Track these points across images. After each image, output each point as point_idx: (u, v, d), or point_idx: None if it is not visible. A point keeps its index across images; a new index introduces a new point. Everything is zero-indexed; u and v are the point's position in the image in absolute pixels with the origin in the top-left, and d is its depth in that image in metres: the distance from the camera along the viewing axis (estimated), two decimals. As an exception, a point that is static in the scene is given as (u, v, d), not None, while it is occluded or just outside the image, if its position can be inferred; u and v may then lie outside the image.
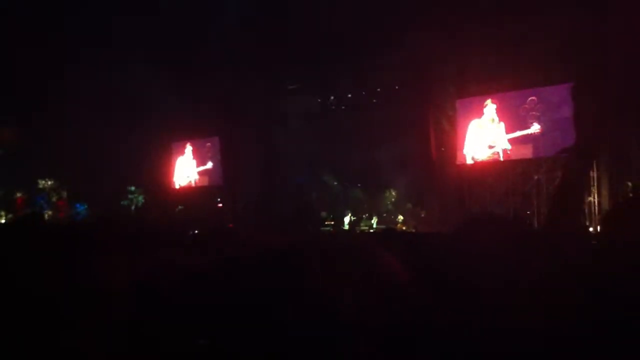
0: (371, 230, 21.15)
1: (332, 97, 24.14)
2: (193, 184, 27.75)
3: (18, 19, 22.89)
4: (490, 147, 20.04)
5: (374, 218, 22.92)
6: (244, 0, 22.43)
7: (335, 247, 3.53)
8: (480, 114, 20.34)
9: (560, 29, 17.70)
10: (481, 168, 20.44)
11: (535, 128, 19.01)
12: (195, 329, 3.06)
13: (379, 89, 22.87)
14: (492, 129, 19.99)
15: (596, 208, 18.20)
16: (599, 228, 17.73)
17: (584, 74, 17.43)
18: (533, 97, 19.14)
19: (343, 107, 24.42)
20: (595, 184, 18.26)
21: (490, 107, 20.05)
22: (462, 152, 20.73)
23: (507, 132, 19.71)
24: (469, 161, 20.60)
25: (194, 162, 27.70)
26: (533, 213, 18.99)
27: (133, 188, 27.80)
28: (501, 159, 19.88)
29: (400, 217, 22.34)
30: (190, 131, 27.87)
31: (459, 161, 20.86)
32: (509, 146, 19.69)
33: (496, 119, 19.92)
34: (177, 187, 28.25)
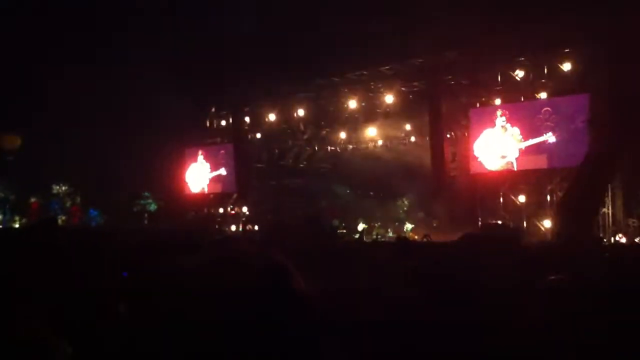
0: (383, 240, 21.08)
1: (344, 106, 24.13)
2: (206, 191, 27.83)
3: (35, 27, 23.15)
4: (503, 157, 19.93)
5: (388, 229, 22.84)
6: (256, 10, 22.58)
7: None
8: (491, 123, 20.25)
9: (577, 39, 17.68)
10: (494, 178, 20.34)
11: (548, 136, 18.89)
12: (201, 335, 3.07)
13: (392, 99, 22.82)
14: (504, 138, 19.88)
15: (610, 219, 18.08)
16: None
17: (601, 84, 17.43)
18: (548, 108, 19.04)
19: (356, 116, 24.41)
20: (610, 195, 18.13)
21: (500, 118, 19.94)
22: (476, 161, 20.62)
23: (521, 141, 19.61)
24: (483, 170, 20.48)
25: (208, 168, 27.78)
26: (546, 223, 18.90)
27: (147, 194, 27.93)
28: (515, 168, 19.76)
29: (409, 226, 22.24)
30: (204, 138, 28.00)
31: (472, 170, 20.76)
32: (517, 156, 19.59)
33: (509, 128, 19.81)
34: (190, 193, 28.32)
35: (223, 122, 27.80)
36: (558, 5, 17.46)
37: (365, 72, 22.74)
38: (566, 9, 17.15)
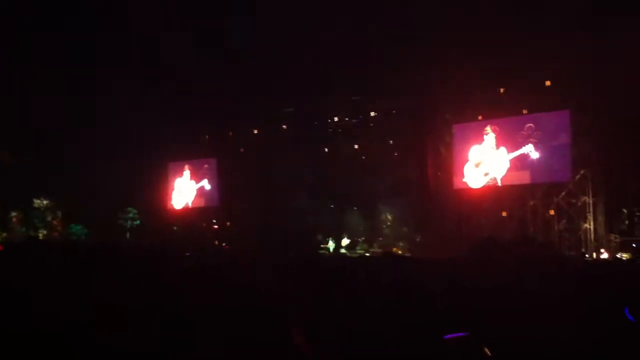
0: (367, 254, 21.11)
1: (329, 121, 24.19)
2: (190, 205, 27.66)
3: (19, 42, 23.08)
4: (486, 174, 20.07)
5: (373, 244, 22.89)
6: (241, 25, 22.63)
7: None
8: (477, 139, 20.38)
9: (557, 56, 17.92)
10: (478, 193, 20.45)
11: (529, 148, 19.06)
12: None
13: (376, 114, 22.95)
14: (491, 155, 20.01)
15: (592, 235, 18.24)
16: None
17: (582, 101, 17.70)
18: (530, 124, 19.21)
19: (340, 131, 24.48)
20: (591, 210, 18.32)
21: (491, 135, 20.06)
22: (459, 177, 20.73)
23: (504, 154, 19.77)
24: (469, 186, 20.57)
25: (192, 182, 27.65)
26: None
27: (130, 209, 27.74)
28: (499, 184, 19.87)
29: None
30: (187, 152, 27.85)
31: (455, 186, 20.86)
32: (503, 173, 19.72)
33: (493, 144, 19.96)
34: (174, 208, 28.12)
35: (207, 137, 27.70)
36: (540, 24, 17.74)
37: (350, 88, 22.82)
38: (547, 27, 17.44)
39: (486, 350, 3.05)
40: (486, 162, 20.15)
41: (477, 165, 20.33)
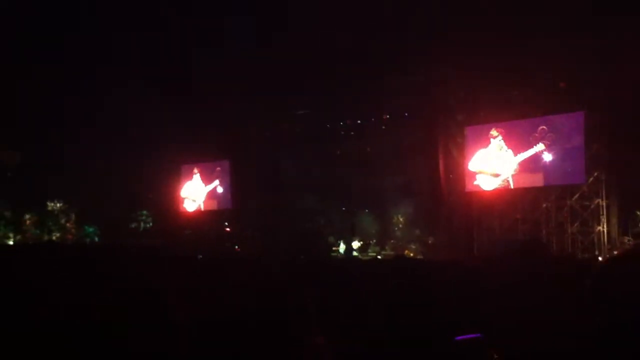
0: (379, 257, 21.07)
1: (341, 123, 24.18)
2: (202, 208, 27.72)
3: (28, 46, 23.24)
4: (497, 175, 19.94)
5: (385, 247, 22.86)
6: (251, 27, 22.65)
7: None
8: (487, 142, 20.26)
9: (571, 57, 17.79)
10: (490, 196, 20.35)
11: (539, 147, 18.93)
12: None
13: (387, 116, 22.90)
14: (499, 157, 19.90)
15: (605, 237, 18.11)
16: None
17: (594, 102, 17.55)
18: (543, 126, 19.08)
19: (352, 133, 24.46)
20: (605, 212, 18.19)
21: (499, 137, 19.95)
22: (471, 180, 20.63)
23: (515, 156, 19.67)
24: (482, 188, 20.46)
25: (202, 185, 27.72)
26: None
27: (144, 212, 27.88)
28: (511, 186, 19.77)
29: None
30: (199, 155, 27.91)
31: (468, 189, 20.76)
32: (515, 175, 19.58)
33: (504, 147, 19.84)
34: (185, 210, 28.19)
35: (219, 139, 27.74)
36: (553, 24, 17.62)
37: (361, 89, 22.78)
38: (560, 27, 17.32)
39: (494, 355, 3.03)
40: (497, 164, 20.04)
41: (487, 168, 20.23)
